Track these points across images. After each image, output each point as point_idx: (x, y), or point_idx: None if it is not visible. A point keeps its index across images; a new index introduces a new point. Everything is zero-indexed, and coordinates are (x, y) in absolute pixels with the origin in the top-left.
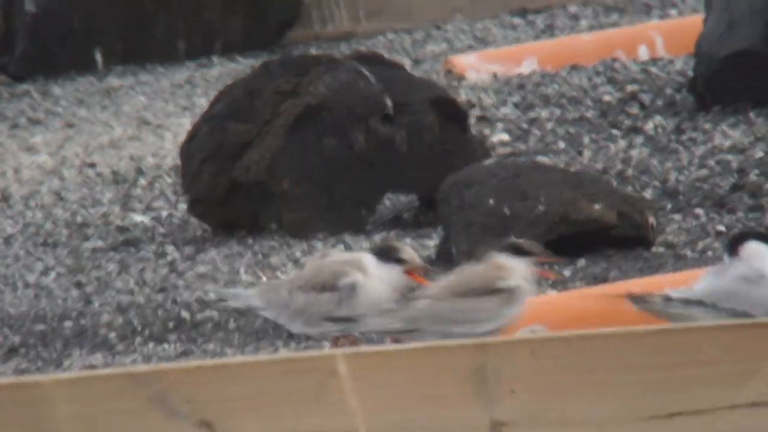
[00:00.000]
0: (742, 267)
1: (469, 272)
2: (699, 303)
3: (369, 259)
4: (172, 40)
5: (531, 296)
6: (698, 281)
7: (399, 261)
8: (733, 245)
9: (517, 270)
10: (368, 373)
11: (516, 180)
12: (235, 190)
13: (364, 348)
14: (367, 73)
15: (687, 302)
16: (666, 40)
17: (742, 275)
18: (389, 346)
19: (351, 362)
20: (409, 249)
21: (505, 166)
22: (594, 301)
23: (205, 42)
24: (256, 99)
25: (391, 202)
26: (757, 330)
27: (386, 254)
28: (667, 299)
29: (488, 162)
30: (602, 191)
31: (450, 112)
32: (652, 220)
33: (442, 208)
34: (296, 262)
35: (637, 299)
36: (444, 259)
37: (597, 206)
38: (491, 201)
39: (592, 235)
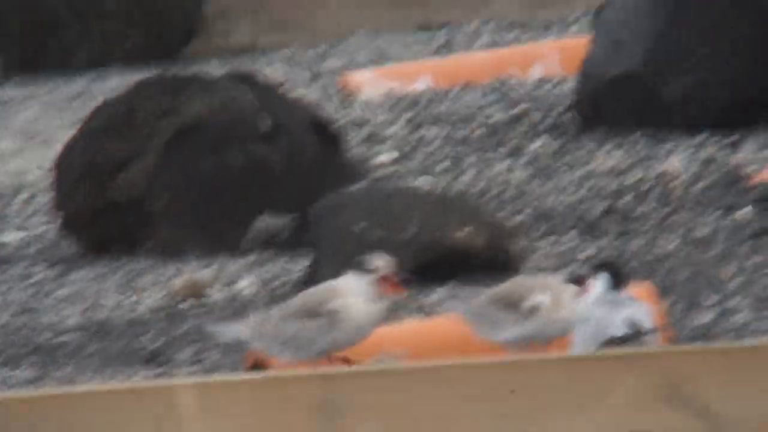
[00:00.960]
0: None
1: (305, 294)
2: None
3: (345, 281)
4: (70, 50)
5: (372, 317)
6: None
7: (370, 271)
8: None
9: (349, 291)
10: (213, 404)
11: (387, 204)
12: (110, 208)
13: (210, 378)
14: (243, 92)
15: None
16: (562, 58)
17: None
18: (236, 376)
19: (195, 392)
20: (379, 259)
21: (377, 189)
22: (456, 327)
23: (104, 53)
24: (132, 117)
25: (270, 221)
26: (604, 361)
27: (358, 267)
28: None
29: (360, 185)
30: (472, 216)
31: (326, 134)
32: (520, 245)
33: (313, 231)
34: (166, 282)
35: None
36: (313, 283)
37: (466, 231)
38: (361, 224)
39: (460, 260)
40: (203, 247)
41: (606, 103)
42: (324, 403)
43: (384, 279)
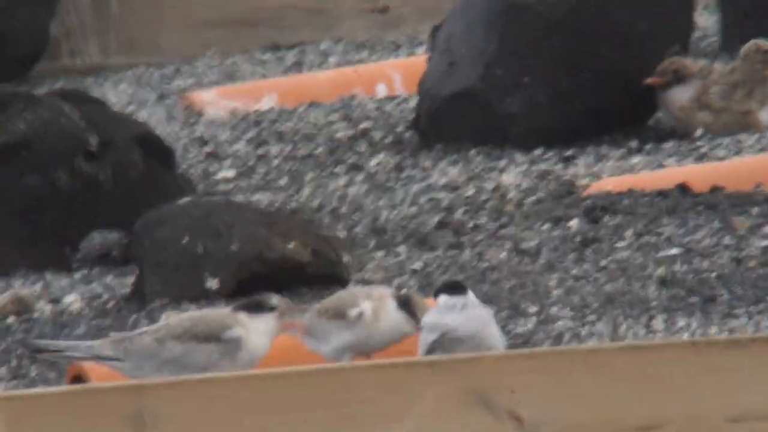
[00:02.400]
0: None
1: (200, 316)
2: None
3: (240, 315)
4: None
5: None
6: None
7: (270, 309)
8: (435, 295)
9: (251, 324)
10: (23, 417)
11: (209, 218)
12: None
13: (18, 392)
14: (69, 110)
15: None
16: (404, 77)
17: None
18: (46, 390)
19: (4, 406)
20: (275, 297)
21: (199, 204)
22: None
23: None
24: None
25: (101, 238)
26: (413, 367)
27: (257, 307)
28: None
29: (182, 201)
30: (296, 229)
31: (156, 150)
32: (346, 258)
33: (136, 247)
34: None
35: None
36: (138, 299)
37: (291, 244)
38: (184, 239)
39: (286, 274)
40: (31, 265)
41: (444, 120)
42: (137, 414)
43: (282, 317)
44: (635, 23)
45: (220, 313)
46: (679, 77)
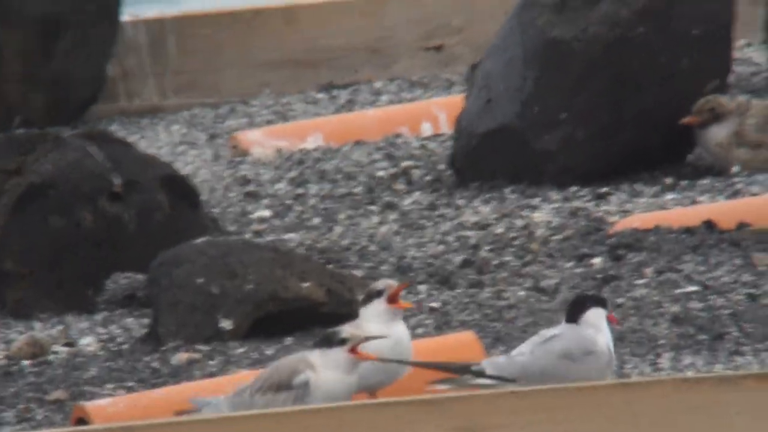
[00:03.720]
0: (569, 341)
1: (277, 366)
2: (512, 380)
3: (314, 354)
4: None
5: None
6: (520, 351)
7: (341, 342)
8: (572, 311)
9: (321, 363)
10: None
11: (226, 258)
12: None
13: None
14: (94, 151)
15: (501, 379)
16: (449, 116)
17: (565, 351)
18: None
19: None
20: (347, 328)
21: (215, 244)
22: None
23: (4, 118)
24: None
25: (126, 279)
26: (408, 405)
27: (328, 341)
28: (479, 374)
29: (199, 240)
30: (312, 269)
31: (181, 190)
32: (361, 297)
33: (152, 287)
34: (8, 342)
35: (448, 377)
36: (153, 340)
37: (306, 284)
38: (199, 280)
39: (301, 313)
40: (53, 307)
41: (480, 158)
42: None
43: (353, 350)
44: (675, 60)
45: (295, 358)
46: (716, 115)
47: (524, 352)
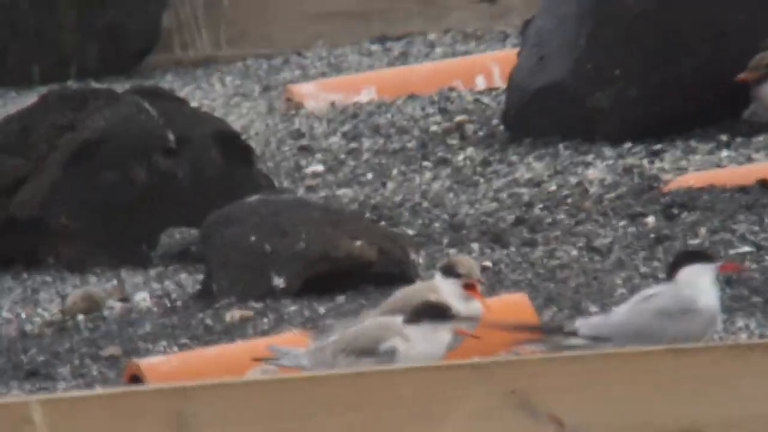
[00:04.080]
0: (665, 299)
1: (362, 328)
2: (607, 340)
3: (407, 326)
4: (25, 65)
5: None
6: (616, 311)
7: (458, 276)
8: (673, 267)
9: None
10: (64, 421)
11: (277, 217)
12: (11, 225)
13: (60, 394)
14: (148, 107)
15: (595, 339)
16: (502, 69)
17: (661, 310)
18: (87, 392)
19: (46, 409)
20: (466, 261)
21: (267, 203)
22: None
23: (60, 68)
24: (32, 133)
25: (180, 234)
26: (454, 370)
27: (448, 271)
28: (571, 335)
29: (251, 199)
30: (362, 228)
31: (234, 146)
32: (413, 256)
33: (204, 245)
34: (64, 297)
35: (543, 336)
36: (205, 297)
37: (357, 243)
38: (252, 238)
39: (352, 272)
40: (108, 262)
41: (532, 114)
42: (180, 416)
43: (469, 286)
44: (728, 16)
45: (382, 323)
46: None
47: (621, 311)
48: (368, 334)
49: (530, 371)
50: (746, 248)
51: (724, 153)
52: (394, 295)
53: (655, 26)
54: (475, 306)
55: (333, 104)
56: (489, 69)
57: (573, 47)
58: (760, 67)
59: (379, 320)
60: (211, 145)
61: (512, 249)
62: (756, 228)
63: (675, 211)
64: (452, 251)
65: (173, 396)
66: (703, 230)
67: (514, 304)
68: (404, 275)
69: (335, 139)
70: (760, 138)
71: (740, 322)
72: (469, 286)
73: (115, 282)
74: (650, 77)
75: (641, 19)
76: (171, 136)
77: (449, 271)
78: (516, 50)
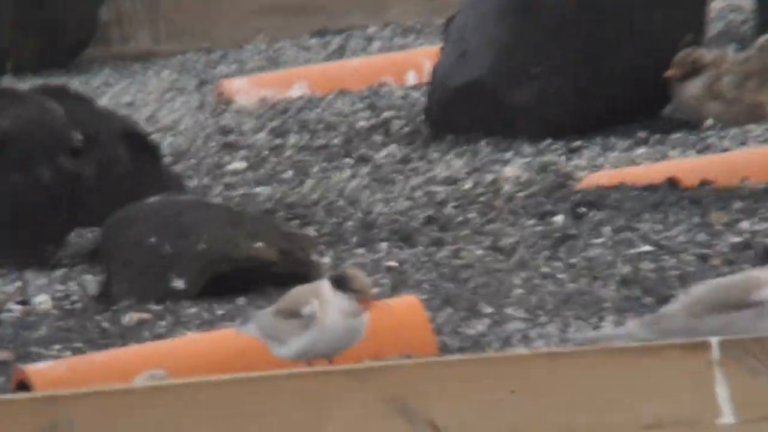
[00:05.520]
0: None
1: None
2: None
3: (326, 287)
4: None
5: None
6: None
7: (351, 290)
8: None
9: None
10: None
11: (178, 218)
12: None
13: None
14: (53, 106)
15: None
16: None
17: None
18: None
19: None
20: (360, 278)
21: (168, 203)
22: (223, 342)
23: None
24: None
25: (92, 235)
26: (332, 375)
27: (340, 283)
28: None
29: (152, 199)
30: (264, 229)
31: (141, 145)
32: (315, 257)
33: (105, 246)
34: None
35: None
36: (105, 299)
37: (258, 244)
38: (152, 239)
39: (254, 273)
40: (13, 264)
41: (454, 111)
42: (53, 426)
43: (362, 299)
44: (649, 14)
45: (310, 287)
46: (696, 68)
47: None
48: (294, 296)
49: (407, 377)
50: (646, 247)
51: (641, 150)
52: (283, 297)
53: (576, 23)
54: (361, 321)
55: (263, 99)
56: (420, 64)
57: (494, 44)
58: (686, 63)
59: (309, 285)
60: (118, 144)
61: (420, 248)
62: (659, 227)
63: (583, 209)
64: (360, 251)
65: (46, 405)
66: (607, 229)
67: (406, 308)
68: (305, 276)
69: (261, 136)
70: (677, 135)
71: (630, 324)
72: (361, 302)
73: (18, 284)
74: (571, 74)
75: (562, 16)
76: (77, 136)
77: (341, 283)
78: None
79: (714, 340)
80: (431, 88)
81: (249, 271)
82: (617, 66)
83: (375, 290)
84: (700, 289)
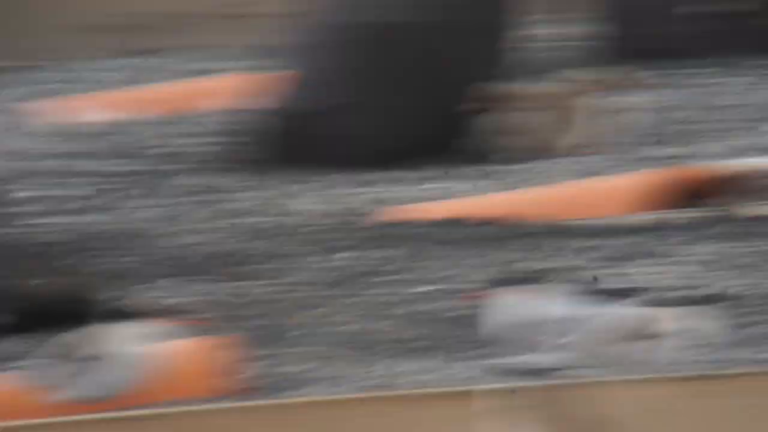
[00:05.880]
0: None
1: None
2: None
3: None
4: None
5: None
6: None
7: (140, 318)
8: None
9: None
10: None
11: None
12: None
13: None
14: None
15: None
16: (244, 90)
17: None
18: None
19: None
20: (149, 305)
21: None
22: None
23: None
24: None
25: None
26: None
27: (126, 315)
28: None
29: None
30: (43, 265)
31: None
32: (98, 293)
33: None
34: None
35: None
36: None
37: (34, 281)
38: None
39: (36, 311)
40: None
41: (261, 141)
42: None
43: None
44: (448, 50)
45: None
46: (492, 102)
47: None
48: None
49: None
50: (426, 288)
51: (434, 184)
52: (62, 338)
53: (377, 58)
54: (142, 360)
55: (62, 123)
56: (227, 91)
57: (299, 76)
58: (482, 99)
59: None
60: None
61: (208, 283)
62: (444, 263)
63: (370, 245)
64: (147, 285)
65: None
66: (390, 267)
67: (188, 348)
68: (86, 314)
69: (53, 162)
70: (471, 169)
71: (402, 366)
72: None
73: None
74: (372, 108)
75: (359, 51)
76: None
77: (124, 318)
78: (266, 71)
79: (477, 390)
80: (243, 115)
81: (25, 310)
82: (417, 101)
83: (161, 326)
84: (598, 321)
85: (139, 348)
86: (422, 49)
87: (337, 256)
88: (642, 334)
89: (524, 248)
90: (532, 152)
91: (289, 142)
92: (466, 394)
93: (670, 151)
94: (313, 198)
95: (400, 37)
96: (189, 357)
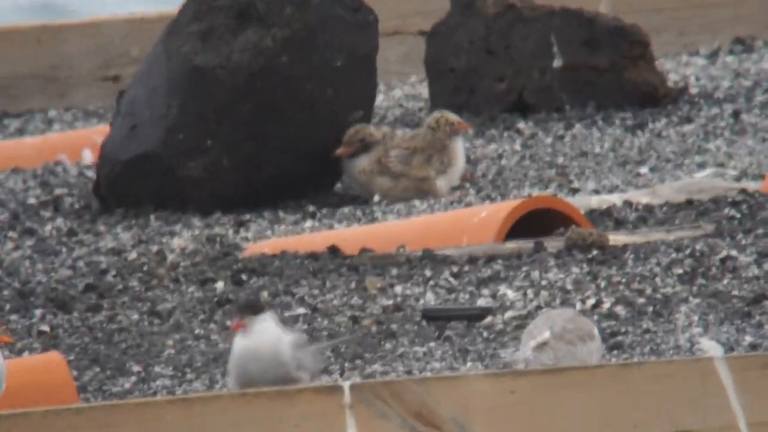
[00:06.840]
0: None
1: None
2: None
3: None
4: None
5: None
6: None
7: None
8: None
9: None
10: None
11: None
12: None
13: None
14: None
15: None
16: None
17: None
18: None
19: None
20: None
21: None
22: None
23: None
24: None
25: None
26: None
27: None
28: None
29: None
30: None
31: None
32: None
33: None
34: None
35: None
36: None
37: None
38: None
39: None
40: None
41: (124, 185)
42: None
43: None
44: (319, 90)
45: None
46: (366, 145)
47: None
48: None
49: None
50: (301, 310)
51: (309, 223)
52: None
53: (245, 99)
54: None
55: None
56: (96, 142)
57: (164, 118)
58: (355, 141)
59: None
60: None
61: (75, 314)
62: (316, 291)
63: (244, 276)
64: (14, 317)
65: None
66: (265, 294)
67: (48, 363)
68: None
69: None
70: (346, 209)
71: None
72: None
73: None
74: (242, 148)
75: (232, 91)
76: None
77: None
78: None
79: (346, 384)
80: (100, 162)
81: None
82: (287, 141)
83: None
84: (561, 321)
85: None
86: (293, 90)
87: (215, 285)
88: None
89: (398, 276)
90: (408, 192)
91: (155, 185)
92: (334, 390)
93: (542, 189)
94: (190, 236)
95: (266, 78)
96: (50, 374)
